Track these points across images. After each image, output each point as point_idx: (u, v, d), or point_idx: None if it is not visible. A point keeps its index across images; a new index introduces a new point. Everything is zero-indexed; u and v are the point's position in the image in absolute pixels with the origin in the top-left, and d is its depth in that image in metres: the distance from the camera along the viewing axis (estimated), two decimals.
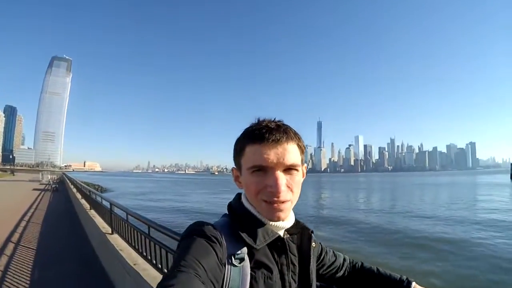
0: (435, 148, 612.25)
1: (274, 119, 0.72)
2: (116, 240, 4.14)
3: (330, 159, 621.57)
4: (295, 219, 0.77)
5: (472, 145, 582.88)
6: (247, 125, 0.67)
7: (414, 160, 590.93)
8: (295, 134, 0.71)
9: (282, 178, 0.66)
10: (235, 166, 0.76)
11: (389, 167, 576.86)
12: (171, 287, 0.50)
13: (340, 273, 0.96)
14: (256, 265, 0.66)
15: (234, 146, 0.74)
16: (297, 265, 0.73)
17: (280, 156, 0.66)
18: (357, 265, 1.00)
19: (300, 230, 0.77)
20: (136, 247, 3.34)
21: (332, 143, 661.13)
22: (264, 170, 0.66)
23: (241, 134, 0.72)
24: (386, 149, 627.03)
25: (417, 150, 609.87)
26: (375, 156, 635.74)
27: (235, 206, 0.75)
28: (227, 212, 0.77)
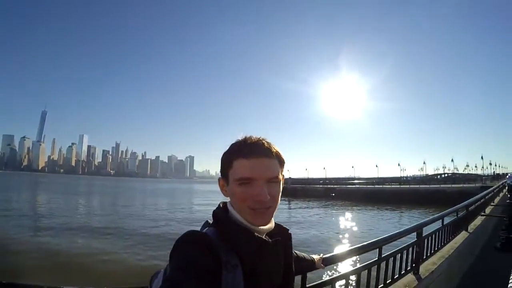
0: (157, 157, 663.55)
1: (260, 137, 0.84)
2: None
3: (49, 157, 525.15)
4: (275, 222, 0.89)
5: (191, 158, 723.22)
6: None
7: (137, 166, 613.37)
8: (277, 150, 0.83)
9: (265, 188, 0.77)
10: (221, 177, 0.86)
11: (112, 171, 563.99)
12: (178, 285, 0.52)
13: None
14: (247, 269, 0.73)
15: (222, 159, 0.85)
16: (282, 264, 0.83)
17: (264, 169, 0.78)
18: None
19: (278, 231, 0.88)
20: None
21: (54, 139, 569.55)
22: (250, 181, 0.77)
23: (229, 149, 0.84)
24: (111, 153, 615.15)
25: (140, 157, 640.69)
26: (99, 158, 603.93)
27: (221, 215, 0.83)
28: (212, 221, 0.84)
